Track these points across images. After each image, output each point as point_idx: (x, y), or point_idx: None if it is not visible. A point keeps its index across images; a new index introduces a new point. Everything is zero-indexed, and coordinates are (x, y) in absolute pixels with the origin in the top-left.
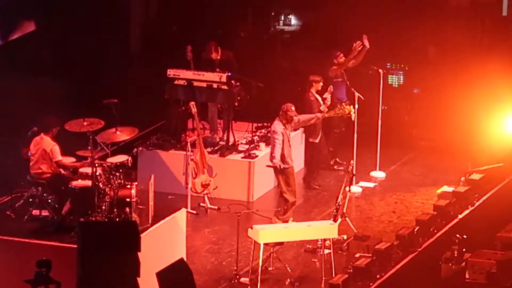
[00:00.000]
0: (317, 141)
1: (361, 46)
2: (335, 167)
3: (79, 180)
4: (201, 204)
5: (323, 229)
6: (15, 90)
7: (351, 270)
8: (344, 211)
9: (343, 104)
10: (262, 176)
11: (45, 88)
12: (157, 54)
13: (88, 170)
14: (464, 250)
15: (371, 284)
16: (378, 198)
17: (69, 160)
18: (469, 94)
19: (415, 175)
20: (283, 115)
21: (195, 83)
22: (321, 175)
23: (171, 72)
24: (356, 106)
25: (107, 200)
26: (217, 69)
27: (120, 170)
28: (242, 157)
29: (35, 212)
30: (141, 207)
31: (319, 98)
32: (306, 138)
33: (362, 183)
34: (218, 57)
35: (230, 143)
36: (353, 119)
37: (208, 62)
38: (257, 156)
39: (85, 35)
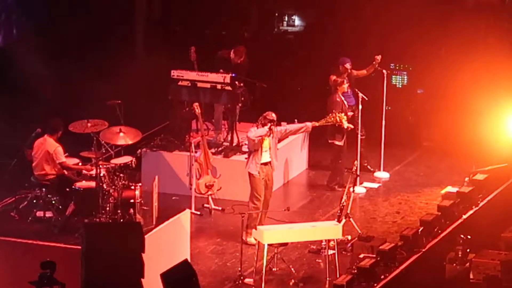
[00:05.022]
0: (341, 143)
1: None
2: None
3: (83, 181)
4: (205, 205)
5: (327, 230)
6: (16, 91)
7: (355, 271)
8: (348, 211)
9: (334, 112)
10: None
11: (48, 88)
12: (161, 54)
13: (92, 171)
14: (468, 250)
15: (375, 284)
16: (382, 199)
17: (72, 162)
18: (473, 94)
19: (419, 175)
20: (261, 120)
21: (199, 84)
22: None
23: (175, 73)
24: (360, 107)
25: (111, 201)
26: (221, 70)
27: (124, 171)
28: (246, 158)
29: (39, 213)
30: (145, 208)
31: (344, 100)
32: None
33: (366, 184)
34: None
35: (234, 144)
36: (345, 127)
37: (236, 66)
38: None
39: (89, 35)
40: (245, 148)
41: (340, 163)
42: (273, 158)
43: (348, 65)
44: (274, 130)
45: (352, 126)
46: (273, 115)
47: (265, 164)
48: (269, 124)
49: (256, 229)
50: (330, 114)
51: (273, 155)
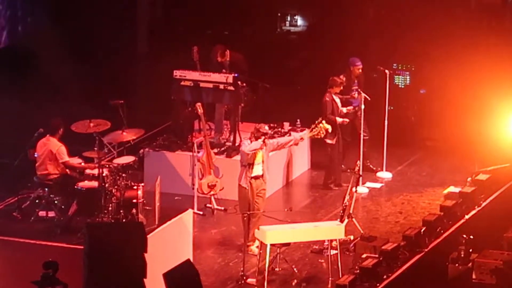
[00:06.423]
0: (333, 142)
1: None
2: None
3: (86, 181)
4: (208, 205)
5: (329, 230)
6: (20, 92)
7: (358, 271)
8: (351, 211)
9: (316, 123)
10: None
11: (51, 88)
12: (163, 54)
13: (95, 171)
14: (470, 250)
15: (378, 284)
16: (385, 199)
17: (75, 161)
18: (475, 94)
19: (422, 175)
20: (254, 133)
21: (202, 84)
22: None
23: (177, 73)
24: (363, 107)
25: (114, 201)
26: (223, 70)
27: (127, 171)
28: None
29: (42, 213)
30: (147, 208)
31: (337, 101)
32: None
33: (368, 184)
34: (227, 59)
35: (236, 144)
36: (329, 131)
37: (218, 65)
38: None
39: (91, 35)
40: None
41: (335, 161)
42: (265, 171)
43: (360, 67)
44: (267, 143)
45: (347, 120)
46: (266, 127)
47: (257, 177)
48: (262, 137)
49: (258, 229)
50: (313, 126)
51: (265, 168)
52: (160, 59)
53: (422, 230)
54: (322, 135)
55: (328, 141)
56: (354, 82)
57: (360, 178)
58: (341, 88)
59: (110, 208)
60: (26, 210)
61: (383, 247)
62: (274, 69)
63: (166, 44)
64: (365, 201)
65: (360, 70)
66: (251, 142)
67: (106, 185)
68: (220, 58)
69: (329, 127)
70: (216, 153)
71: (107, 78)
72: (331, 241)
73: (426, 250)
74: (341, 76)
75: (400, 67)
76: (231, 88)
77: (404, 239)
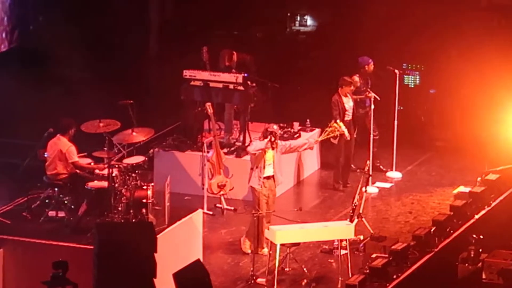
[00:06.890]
0: (335, 141)
1: None
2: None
3: (96, 181)
4: (218, 205)
5: (339, 230)
6: (31, 95)
7: (368, 271)
8: (361, 211)
9: (332, 122)
10: (282, 180)
11: (61, 88)
12: (173, 55)
13: (105, 171)
14: (480, 250)
15: (387, 284)
16: (395, 199)
17: (85, 161)
18: (485, 94)
19: (432, 175)
20: (263, 133)
21: (211, 84)
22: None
23: (187, 73)
24: (372, 107)
25: (124, 201)
26: (233, 71)
27: (136, 171)
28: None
29: (52, 213)
30: (157, 208)
31: (346, 101)
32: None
33: (378, 184)
34: (235, 61)
35: (246, 144)
36: (346, 135)
37: (226, 69)
38: None
39: (103, 36)
40: None
41: (338, 162)
42: (277, 172)
43: (372, 64)
44: (279, 144)
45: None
46: (275, 127)
47: (268, 178)
48: (269, 137)
49: (268, 229)
50: (328, 127)
51: (277, 169)
52: (170, 59)
53: (432, 230)
54: (337, 133)
55: (332, 140)
56: (367, 82)
57: (370, 178)
58: (352, 87)
59: (120, 208)
60: (36, 210)
61: (392, 247)
62: (284, 69)
63: (176, 45)
64: (375, 201)
65: (373, 67)
66: (259, 140)
67: (116, 185)
68: (227, 62)
69: (342, 124)
70: (225, 153)
71: (118, 78)
72: (341, 241)
73: (435, 250)
74: (355, 76)
75: (410, 67)
76: (241, 88)
77: (414, 239)
